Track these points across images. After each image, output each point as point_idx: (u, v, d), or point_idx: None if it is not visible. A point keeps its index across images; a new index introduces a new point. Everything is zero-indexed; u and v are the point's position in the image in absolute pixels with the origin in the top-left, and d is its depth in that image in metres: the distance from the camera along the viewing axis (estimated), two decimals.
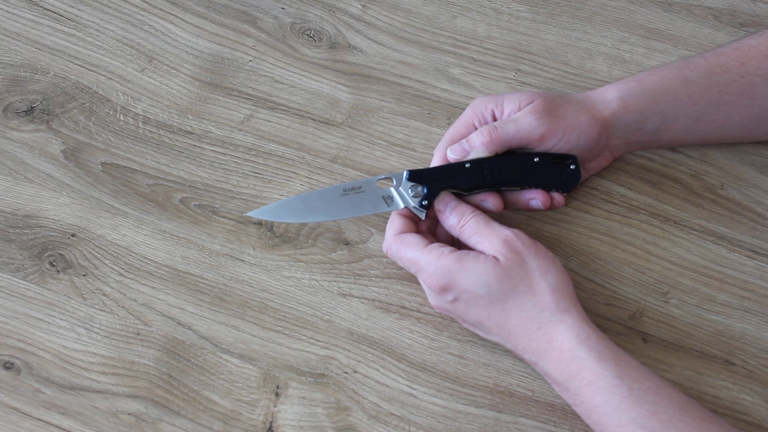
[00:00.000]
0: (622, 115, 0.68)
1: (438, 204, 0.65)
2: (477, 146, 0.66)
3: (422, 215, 0.65)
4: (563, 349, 0.59)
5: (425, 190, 0.65)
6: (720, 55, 0.70)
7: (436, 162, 0.68)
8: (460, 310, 0.62)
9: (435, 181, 0.65)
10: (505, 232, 0.62)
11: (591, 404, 0.58)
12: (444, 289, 0.62)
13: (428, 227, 0.67)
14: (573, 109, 0.67)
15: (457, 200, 0.65)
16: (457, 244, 0.67)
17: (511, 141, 0.66)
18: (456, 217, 0.64)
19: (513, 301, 0.61)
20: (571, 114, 0.67)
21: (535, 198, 0.67)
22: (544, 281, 0.61)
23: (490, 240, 0.62)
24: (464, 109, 0.70)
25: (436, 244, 0.63)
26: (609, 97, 0.68)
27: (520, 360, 0.65)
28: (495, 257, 0.61)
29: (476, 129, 0.67)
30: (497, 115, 0.68)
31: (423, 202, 0.65)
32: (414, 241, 0.63)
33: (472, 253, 0.62)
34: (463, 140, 0.67)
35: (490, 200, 0.66)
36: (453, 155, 0.67)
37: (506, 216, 0.71)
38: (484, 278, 0.60)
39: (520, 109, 0.67)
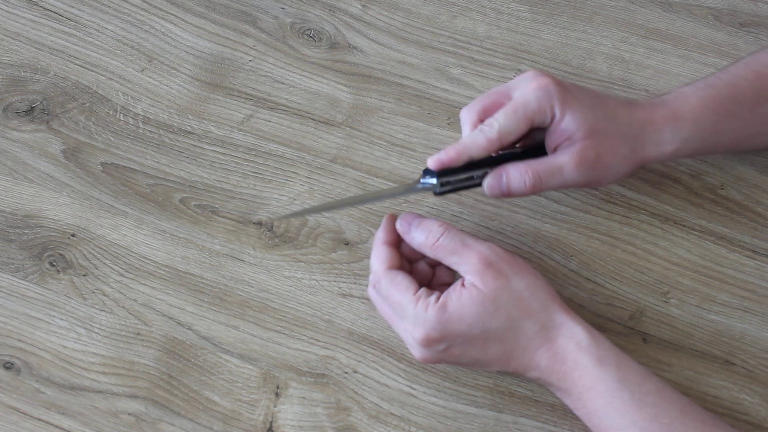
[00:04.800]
0: (667, 157, 0.66)
1: (399, 224, 0.62)
2: (515, 190, 0.62)
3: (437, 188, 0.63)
4: (565, 360, 0.58)
5: (436, 177, 0.62)
6: (764, 78, 0.67)
7: (466, 128, 0.63)
8: (455, 355, 0.60)
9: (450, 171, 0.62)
10: (483, 249, 0.59)
11: (592, 408, 0.58)
12: (436, 341, 0.59)
13: (410, 251, 0.64)
14: (621, 153, 0.63)
15: (420, 217, 0.62)
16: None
17: (549, 188, 0.63)
18: (423, 233, 0.61)
19: (510, 330, 0.59)
20: (616, 162, 0.63)
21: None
22: (534, 300, 0.59)
23: (469, 261, 0.59)
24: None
25: (422, 291, 0.59)
26: (665, 138, 0.65)
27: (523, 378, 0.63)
28: (476, 286, 0.58)
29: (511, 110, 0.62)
30: (548, 122, 0.62)
31: (441, 180, 0.62)
32: (405, 283, 0.60)
33: (452, 294, 0.59)
34: (503, 176, 0.62)
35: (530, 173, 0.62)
36: (490, 192, 0.63)
37: (506, 215, 0.71)
38: (476, 319, 0.58)
39: (569, 137, 0.62)
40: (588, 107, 0.62)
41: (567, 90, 0.62)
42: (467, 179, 0.63)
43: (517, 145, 0.65)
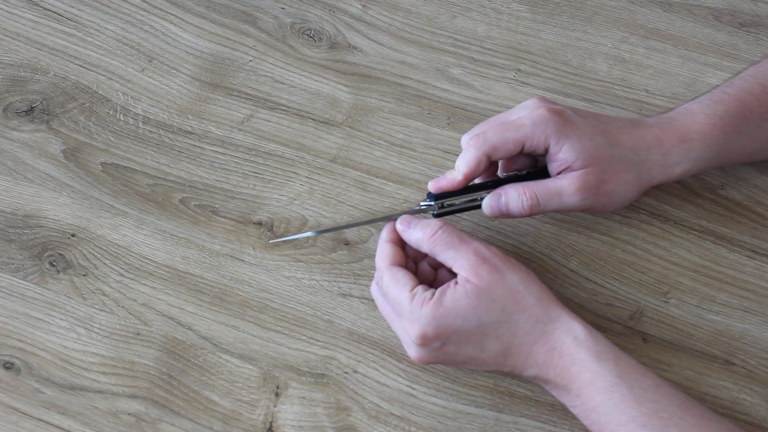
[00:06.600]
0: (675, 178, 0.66)
1: (399, 223, 0.63)
2: (513, 211, 0.63)
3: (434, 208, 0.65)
4: (563, 354, 0.59)
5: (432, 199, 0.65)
6: None
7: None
8: (451, 353, 0.60)
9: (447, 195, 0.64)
10: (478, 246, 0.60)
11: (591, 404, 0.58)
12: (431, 339, 0.59)
13: (415, 252, 0.65)
14: (625, 180, 0.64)
15: (419, 218, 0.63)
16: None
17: (549, 211, 0.64)
18: (421, 230, 0.61)
19: (505, 324, 0.59)
20: (620, 188, 0.64)
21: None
22: (529, 293, 0.59)
23: (465, 256, 0.59)
24: (466, 110, 0.68)
25: (419, 288, 0.59)
26: (673, 160, 0.65)
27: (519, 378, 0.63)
28: (470, 281, 0.59)
29: (523, 153, 0.63)
30: (542, 149, 0.63)
31: (434, 203, 0.64)
32: (404, 280, 0.60)
33: (447, 290, 0.59)
34: (501, 196, 0.63)
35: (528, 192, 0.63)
36: (489, 212, 0.64)
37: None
38: (472, 312, 0.58)
39: (570, 166, 0.62)
40: (588, 136, 0.63)
41: (566, 120, 0.63)
42: (470, 201, 0.65)
43: (524, 172, 0.66)
